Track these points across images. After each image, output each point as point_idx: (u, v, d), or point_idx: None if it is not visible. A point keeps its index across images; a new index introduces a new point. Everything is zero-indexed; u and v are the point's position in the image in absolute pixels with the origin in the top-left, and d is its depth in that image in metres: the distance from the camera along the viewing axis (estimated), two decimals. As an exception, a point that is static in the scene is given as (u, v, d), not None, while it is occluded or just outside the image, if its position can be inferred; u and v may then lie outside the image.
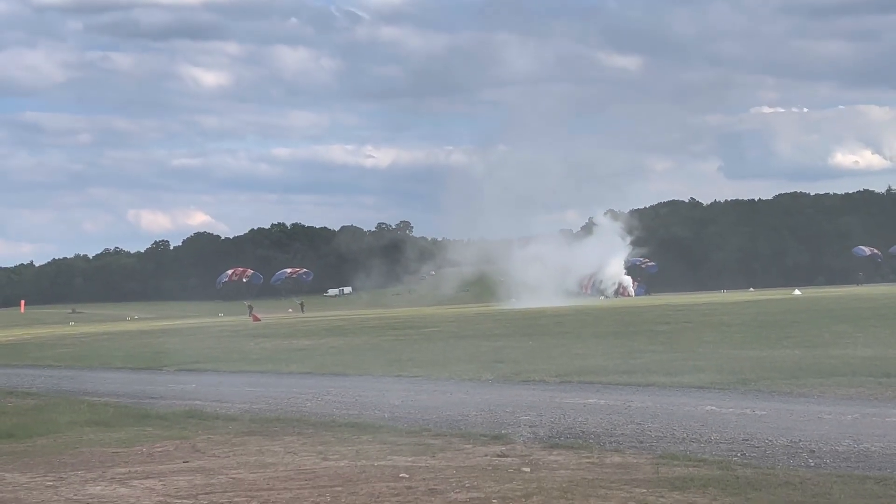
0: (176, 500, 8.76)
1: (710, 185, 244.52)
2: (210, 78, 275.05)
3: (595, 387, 16.91)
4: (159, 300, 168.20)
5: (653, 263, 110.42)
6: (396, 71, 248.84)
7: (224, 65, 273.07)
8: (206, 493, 8.98)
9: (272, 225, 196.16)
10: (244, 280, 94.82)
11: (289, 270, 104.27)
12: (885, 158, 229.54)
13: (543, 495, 8.30)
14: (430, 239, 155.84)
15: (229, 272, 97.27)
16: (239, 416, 14.78)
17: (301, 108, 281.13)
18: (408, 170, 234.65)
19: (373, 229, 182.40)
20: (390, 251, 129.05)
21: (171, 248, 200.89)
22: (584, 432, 11.99)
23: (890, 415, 12.26)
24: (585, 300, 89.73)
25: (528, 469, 9.56)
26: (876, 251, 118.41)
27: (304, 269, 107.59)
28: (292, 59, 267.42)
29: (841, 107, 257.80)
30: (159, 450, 11.81)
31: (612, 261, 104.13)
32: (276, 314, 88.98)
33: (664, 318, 40.25)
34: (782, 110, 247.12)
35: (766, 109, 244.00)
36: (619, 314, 47.27)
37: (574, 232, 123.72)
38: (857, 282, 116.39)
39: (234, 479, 9.65)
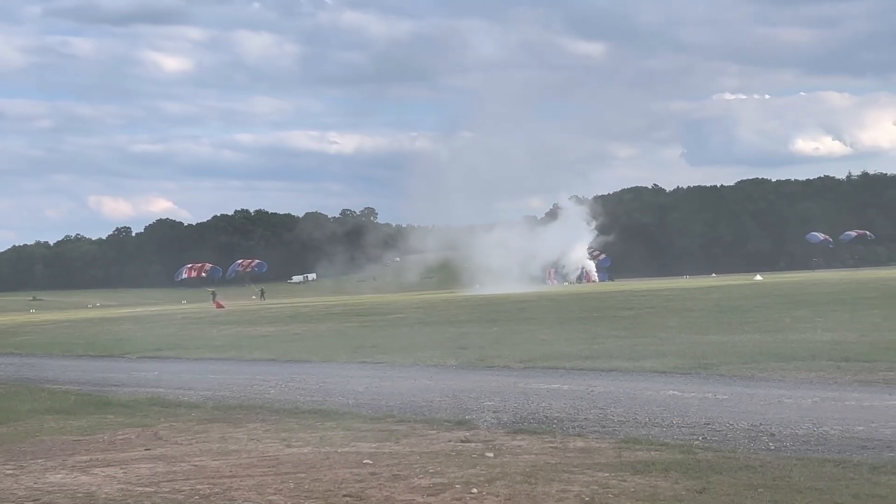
0: (137, 488, 8.70)
1: (673, 171, 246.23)
2: (172, 63, 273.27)
3: (559, 372, 16.97)
4: (121, 287, 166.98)
5: (604, 256, 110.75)
6: (360, 57, 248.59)
7: (186, 50, 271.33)
8: (168, 481, 8.93)
9: (236, 211, 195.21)
10: (203, 275, 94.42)
11: (242, 262, 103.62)
12: (845, 145, 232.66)
13: (507, 480, 8.33)
14: (394, 225, 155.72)
15: (187, 267, 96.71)
16: (201, 404, 14.70)
17: (264, 93, 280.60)
18: (372, 156, 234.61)
19: (337, 216, 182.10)
20: (355, 238, 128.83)
21: (133, 234, 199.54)
22: (547, 417, 12.04)
23: (849, 398, 12.40)
24: (549, 286, 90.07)
25: (491, 454, 9.58)
26: (828, 237, 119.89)
27: (258, 261, 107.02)
28: (255, 44, 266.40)
29: (802, 93, 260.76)
30: (121, 438, 11.73)
31: (575, 247, 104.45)
32: (240, 301, 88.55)
33: (627, 303, 40.49)
34: (744, 97, 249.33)
35: (729, 96, 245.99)
36: (582, 300, 47.48)
37: (538, 218, 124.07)
38: (812, 267, 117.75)
39: (196, 466, 9.60)
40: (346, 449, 10.20)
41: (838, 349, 17.67)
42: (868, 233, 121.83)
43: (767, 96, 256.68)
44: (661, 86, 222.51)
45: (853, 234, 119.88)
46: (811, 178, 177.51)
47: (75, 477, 9.32)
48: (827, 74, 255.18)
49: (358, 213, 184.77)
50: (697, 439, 10.15)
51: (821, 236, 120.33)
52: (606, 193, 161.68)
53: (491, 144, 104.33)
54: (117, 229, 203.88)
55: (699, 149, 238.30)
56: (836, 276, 76.35)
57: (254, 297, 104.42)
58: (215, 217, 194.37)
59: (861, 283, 49.42)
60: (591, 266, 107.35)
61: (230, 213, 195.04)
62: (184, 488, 8.60)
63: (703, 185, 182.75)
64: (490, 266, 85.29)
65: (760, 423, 10.88)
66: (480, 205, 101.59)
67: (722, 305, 35.40)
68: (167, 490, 8.57)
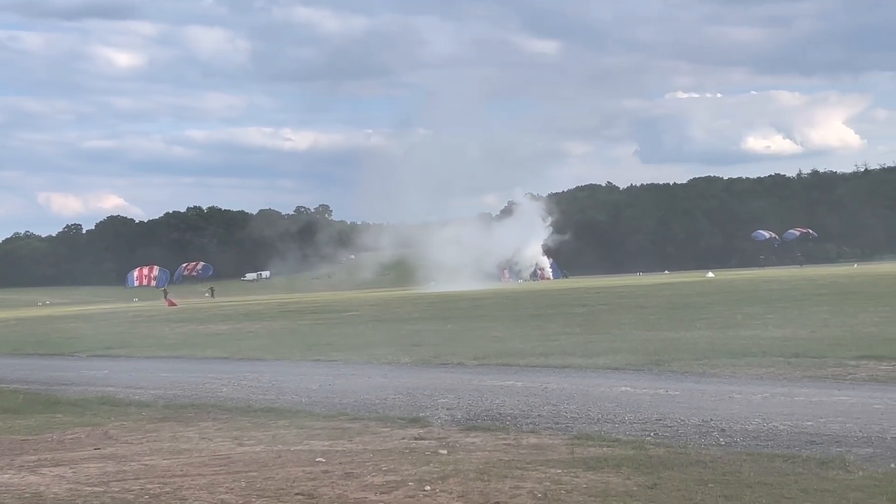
0: (86, 488, 8.59)
1: (627, 169, 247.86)
2: (123, 58, 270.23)
3: (513, 369, 17.01)
4: (71, 285, 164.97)
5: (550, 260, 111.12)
6: (314, 53, 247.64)
7: (137, 45, 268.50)
8: (118, 480, 8.82)
9: (188, 208, 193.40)
10: (153, 282, 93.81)
11: (187, 266, 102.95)
12: (795, 143, 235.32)
13: (460, 477, 8.33)
14: (349, 223, 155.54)
15: (136, 273, 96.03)
16: (153, 402, 14.56)
17: (217, 89, 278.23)
18: (326, 153, 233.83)
19: (291, 213, 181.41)
20: (309, 235, 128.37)
21: (84, 231, 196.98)
22: (501, 414, 12.06)
23: (798, 394, 12.55)
24: (504, 283, 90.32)
25: (445, 451, 9.58)
26: (774, 235, 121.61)
27: (203, 264, 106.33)
28: (208, 39, 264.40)
29: (753, 92, 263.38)
30: (70, 437, 11.57)
31: (530, 244, 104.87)
32: (191, 299, 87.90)
33: (581, 300, 40.71)
34: (697, 95, 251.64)
35: (681, 94, 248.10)
36: (536, 297, 47.68)
37: (493, 215, 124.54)
38: (761, 265, 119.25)
39: (146, 465, 9.50)
40: (299, 447, 10.15)
41: (788, 345, 17.89)
42: (811, 231, 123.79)
43: (719, 95, 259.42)
44: (615, 84, 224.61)
45: (796, 232, 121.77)
46: (762, 176, 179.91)
47: (23, 477, 9.18)
48: (778, 74, 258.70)
49: (312, 210, 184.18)
50: (649, 435, 10.22)
51: (767, 234, 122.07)
52: (561, 191, 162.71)
53: (446, 141, 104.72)
54: (67, 226, 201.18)
55: (652, 147, 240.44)
56: (786, 273, 77.32)
57: (206, 294, 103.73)
58: (167, 214, 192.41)
59: (811, 280, 50.10)
60: (546, 263, 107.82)
61: (182, 209, 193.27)
62: (134, 488, 8.50)
63: (656, 182, 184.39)
64: (445, 263, 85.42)
65: (711, 419, 10.97)
66: (435, 202, 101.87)
67: (674, 302, 35.72)
68: (117, 489, 8.47)
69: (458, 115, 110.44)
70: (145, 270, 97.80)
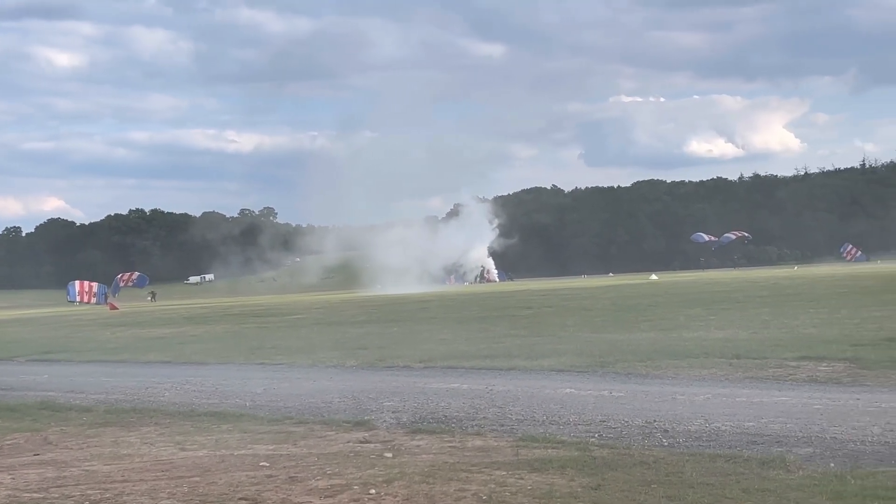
0: (25, 494, 8.44)
1: (572, 172, 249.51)
2: (64, 59, 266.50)
3: (458, 371, 17.02)
4: (11, 289, 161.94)
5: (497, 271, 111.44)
6: (258, 54, 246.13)
7: (79, 46, 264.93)
8: (58, 486, 8.68)
9: (130, 211, 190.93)
10: (93, 299, 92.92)
11: (122, 276, 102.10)
12: (737, 147, 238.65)
13: (405, 480, 8.31)
14: (294, 225, 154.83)
15: (77, 288, 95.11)
16: (94, 407, 14.34)
17: (160, 90, 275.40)
18: (271, 155, 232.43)
19: (235, 215, 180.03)
20: (253, 238, 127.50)
21: (24, 234, 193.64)
22: (446, 417, 12.06)
23: (740, 395, 12.70)
24: (450, 285, 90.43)
25: (390, 454, 9.55)
26: (712, 238, 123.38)
27: (138, 274, 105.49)
28: (150, 40, 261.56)
29: (696, 96, 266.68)
30: (9, 443, 11.37)
31: (476, 246, 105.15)
32: (134, 303, 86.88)
33: (526, 302, 40.86)
34: (640, 99, 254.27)
35: (625, 98, 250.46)
36: (482, 299, 47.78)
37: (439, 218, 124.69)
38: (702, 267, 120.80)
39: (87, 471, 9.36)
40: (243, 451, 10.06)
41: (730, 346, 18.11)
42: (746, 234, 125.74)
43: (663, 99, 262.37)
44: (561, 87, 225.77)
45: (732, 235, 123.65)
46: (705, 179, 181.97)
47: (-41, 485, 8.99)
48: (720, 78, 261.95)
49: (256, 212, 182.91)
50: (593, 437, 10.28)
51: (706, 237, 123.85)
52: (507, 194, 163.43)
53: (391, 144, 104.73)
54: (7, 229, 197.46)
55: (597, 150, 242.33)
56: (728, 275, 78.31)
57: (149, 298, 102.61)
58: (109, 216, 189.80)
59: (752, 283, 50.78)
60: (492, 265, 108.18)
61: (124, 212, 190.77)
62: (74, 494, 8.36)
63: (600, 185, 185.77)
64: (391, 266, 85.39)
65: (655, 420, 11.06)
66: (381, 204, 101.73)
67: (619, 304, 35.99)
68: (57, 496, 8.33)
69: (404, 118, 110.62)
70: (86, 286, 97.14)
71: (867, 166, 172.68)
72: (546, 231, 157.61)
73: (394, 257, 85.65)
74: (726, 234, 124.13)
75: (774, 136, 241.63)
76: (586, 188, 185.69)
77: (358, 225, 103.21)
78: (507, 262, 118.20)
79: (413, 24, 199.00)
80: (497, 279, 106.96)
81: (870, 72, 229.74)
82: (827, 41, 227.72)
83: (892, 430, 9.85)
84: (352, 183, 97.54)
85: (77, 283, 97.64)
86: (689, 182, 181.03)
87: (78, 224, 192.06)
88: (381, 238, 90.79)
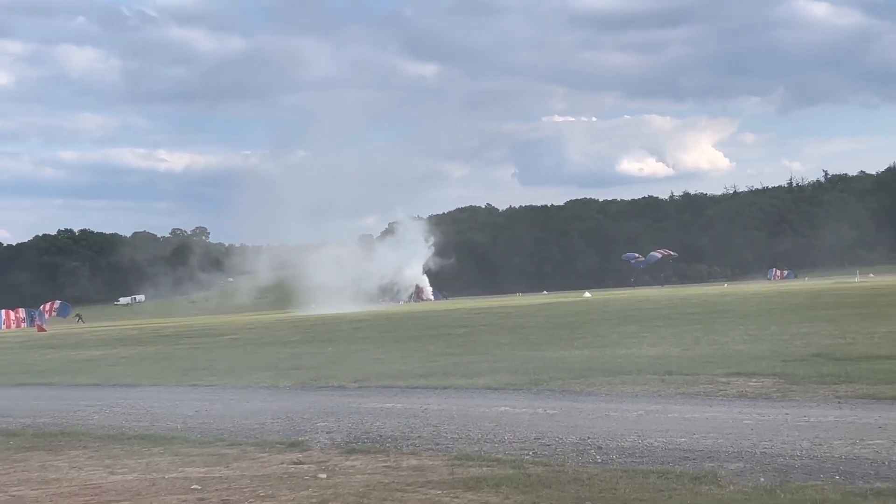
0: (-53, 524, 8.22)
1: (506, 190, 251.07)
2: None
3: (393, 391, 16.96)
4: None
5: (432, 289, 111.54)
6: (190, 73, 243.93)
7: (6, 64, 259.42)
8: (-18, 515, 8.47)
9: (59, 231, 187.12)
10: (22, 325, 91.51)
11: (45, 307, 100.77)
12: (667, 166, 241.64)
13: (339, 501, 8.25)
14: (227, 245, 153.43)
15: (3, 317, 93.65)
16: (20, 431, 14.03)
17: (89, 109, 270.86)
18: (203, 174, 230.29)
19: (167, 235, 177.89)
20: (185, 258, 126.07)
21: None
22: (381, 437, 12.00)
23: (672, 411, 12.83)
24: (385, 304, 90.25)
25: (324, 475, 9.48)
26: (640, 257, 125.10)
27: (60, 302, 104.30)
28: (80, 58, 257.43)
29: (627, 116, 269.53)
30: (-70, 470, 11.05)
31: (411, 265, 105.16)
32: (62, 325, 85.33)
33: (462, 321, 40.93)
34: (572, 119, 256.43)
35: (558, 118, 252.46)
36: (417, 318, 47.74)
37: (374, 237, 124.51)
38: (631, 284, 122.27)
39: (14, 496, 9.14)
40: (174, 475, 9.91)
41: (662, 363, 18.30)
42: (672, 252, 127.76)
43: (594, 118, 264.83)
44: (494, 107, 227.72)
45: (658, 254, 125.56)
46: (636, 197, 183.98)
47: None
48: (650, 98, 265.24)
49: (189, 232, 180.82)
50: (528, 454, 10.29)
51: (635, 255, 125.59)
52: (441, 212, 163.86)
53: (325, 163, 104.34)
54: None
55: (530, 169, 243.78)
56: (659, 292, 79.22)
57: (76, 320, 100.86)
58: (37, 237, 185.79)
59: (684, 300, 51.45)
60: (426, 284, 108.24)
61: (53, 232, 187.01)
62: (-2, 522, 8.17)
63: (534, 204, 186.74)
64: (325, 285, 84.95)
65: (588, 437, 11.12)
66: (315, 223, 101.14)
67: (553, 322, 36.22)
68: (-20, 524, 8.13)
69: (338, 137, 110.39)
70: (12, 314, 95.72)
71: (794, 185, 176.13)
72: (480, 250, 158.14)
73: (328, 276, 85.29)
74: (652, 253, 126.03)
75: (704, 156, 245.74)
76: (520, 207, 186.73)
77: (292, 244, 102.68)
78: (442, 280, 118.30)
79: (346, 44, 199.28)
80: (432, 298, 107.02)
81: (796, 92, 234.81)
82: (754, 62, 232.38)
83: (820, 445, 10.01)
84: (285, 202, 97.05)
85: (3, 311, 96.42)
86: (622, 201, 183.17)
87: (5, 245, 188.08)
88: (315, 257, 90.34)
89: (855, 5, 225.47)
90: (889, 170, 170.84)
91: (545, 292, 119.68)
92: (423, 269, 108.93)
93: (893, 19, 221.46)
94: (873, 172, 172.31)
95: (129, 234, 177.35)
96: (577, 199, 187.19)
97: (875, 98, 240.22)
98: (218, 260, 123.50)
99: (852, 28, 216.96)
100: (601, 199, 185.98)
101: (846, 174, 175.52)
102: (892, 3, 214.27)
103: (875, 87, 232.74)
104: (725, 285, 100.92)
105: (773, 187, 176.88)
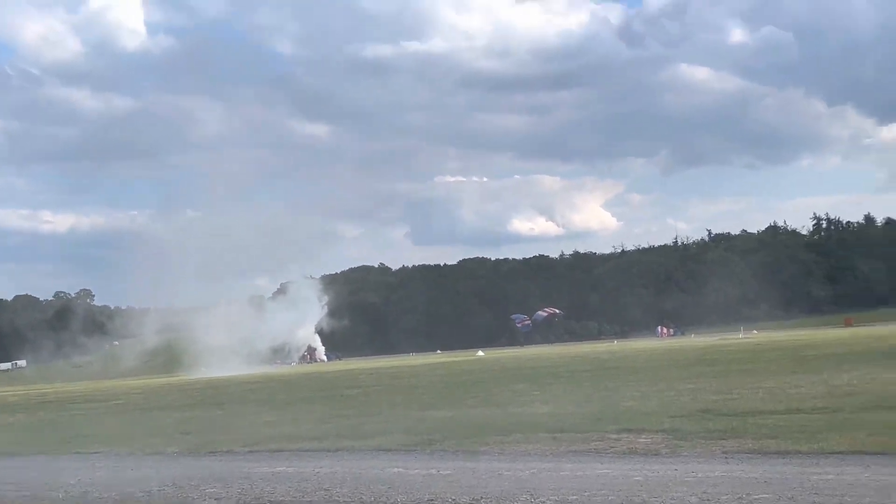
0: None
1: (399, 250, 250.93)
2: None
3: (284, 455, 16.69)
4: None
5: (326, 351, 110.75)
6: (75, 133, 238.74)
7: None
8: None
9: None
10: None
11: None
12: (558, 225, 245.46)
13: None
14: (113, 308, 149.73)
15: None
16: None
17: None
18: (89, 235, 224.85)
19: (50, 298, 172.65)
20: (69, 321, 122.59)
21: None
22: (271, 502, 11.79)
23: (564, 469, 12.90)
24: (277, 366, 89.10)
25: (213, 544, 9.24)
26: (526, 319, 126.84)
27: None
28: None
29: (518, 176, 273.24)
30: None
31: (303, 326, 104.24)
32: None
33: (354, 382, 40.62)
34: (464, 179, 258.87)
35: (450, 178, 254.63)
36: (309, 380, 47.22)
37: (266, 297, 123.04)
38: (521, 343, 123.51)
39: None
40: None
41: (554, 420, 18.42)
42: (557, 311, 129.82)
43: (486, 179, 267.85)
44: (387, 167, 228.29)
45: (544, 313, 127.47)
46: (528, 256, 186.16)
47: None
48: (540, 159, 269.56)
49: (73, 295, 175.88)
50: (422, 516, 10.21)
51: (522, 317, 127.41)
52: (334, 272, 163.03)
53: (216, 223, 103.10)
54: None
55: (424, 228, 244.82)
56: (552, 350, 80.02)
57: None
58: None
59: (575, 357, 52.04)
60: (319, 345, 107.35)
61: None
62: None
63: (427, 263, 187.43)
64: (215, 347, 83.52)
65: (482, 497, 11.11)
66: (205, 284, 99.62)
67: (446, 381, 36.21)
68: None
69: (229, 196, 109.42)
70: None
71: (680, 244, 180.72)
72: (373, 310, 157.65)
73: (218, 338, 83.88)
74: (538, 312, 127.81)
75: (593, 215, 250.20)
76: (413, 266, 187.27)
77: (181, 306, 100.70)
78: (335, 341, 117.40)
79: (237, 103, 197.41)
80: (325, 359, 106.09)
81: (680, 154, 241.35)
82: (639, 125, 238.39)
83: (708, 500, 10.19)
84: (174, 263, 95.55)
85: None
86: (513, 259, 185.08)
87: None
88: (204, 319, 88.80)
89: (734, 70, 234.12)
90: (770, 228, 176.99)
91: (439, 351, 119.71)
92: (316, 329, 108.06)
93: (771, 83, 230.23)
94: (755, 231, 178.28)
95: (10, 298, 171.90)
96: (469, 259, 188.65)
97: (755, 159, 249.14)
98: (102, 323, 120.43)
99: (732, 92, 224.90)
100: (493, 258, 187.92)
101: (729, 233, 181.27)
102: (769, 69, 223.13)
103: (755, 149, 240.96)
104: (615, 342, 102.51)
105: (660, 246, 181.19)
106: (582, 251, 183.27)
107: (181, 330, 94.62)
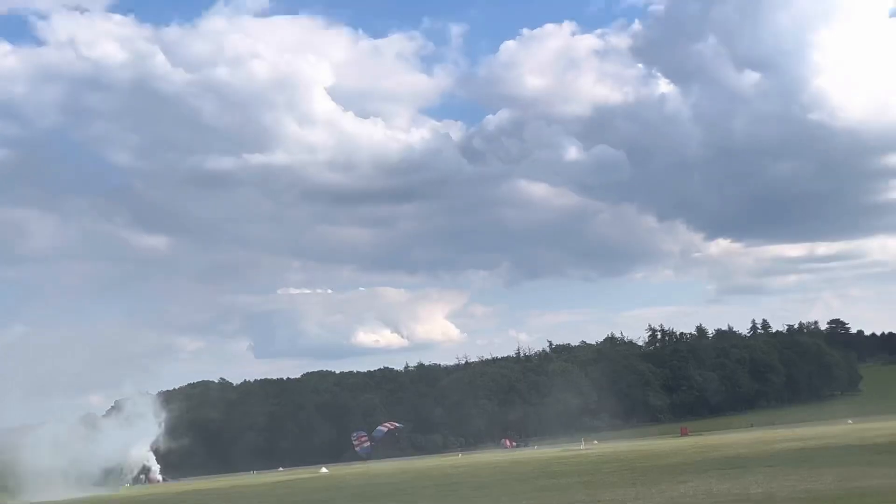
0: None
1: (241, 364, 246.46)
2: None
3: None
4: None
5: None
6: None
7: None
8: None
9: None
10: None
11: None
12: (402, 337, 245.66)
13: None
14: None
15: None
16: None
17: None
18: None
19: None
20: None
21: None
22: None
23: None
24: (109, 489, 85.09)
25: None
26: (363, 439, 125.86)
27: None
28: None
29: (361, 288, 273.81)
30: None
31: (138, 445, 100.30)
32: None
33: (189, 505, 38.96)
34: (308, 291, 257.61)
35: (293, 290, 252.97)
36: (142, 503, 45.08)
37: (99, 416, 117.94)
38: (363, 459, 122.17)
39: None
40: None
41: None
42: (398, 424, 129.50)
43: (330, 291, 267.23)
44: (228, 279, 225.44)
45: (384, 428, 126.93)
46: (372, 369, 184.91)
47: None
48: (383, 271, 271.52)
49: None
50: None
51: (361, 434, 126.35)
52: (172, 388, 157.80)
53: (46, 339, 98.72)
54: None
55: (266, 341, 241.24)
56: (395, 465, 79.04)
57: None
58: None
59: (419, 473, 51.40)
60: (155, 465, 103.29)
61: None
62: None
63: (269, 377, 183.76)
64: (42, 470, 79.03)
65: None
66: (33, 404, 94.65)
67: (287, 501, 35.12)
68: None
69: (61, 311, 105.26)
70: None
71: (522, 355, 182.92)
72: (213, 426, 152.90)
73: (45, 460, 79.48)
74: (379, 428, 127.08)
75: (437, 327, 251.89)
76: (255, 381, 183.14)
77: (6, 426, 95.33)
78: (173, 460, 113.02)
79: (72, 216, 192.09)
80: (160, 479, 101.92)
81: (520, 267, 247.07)
82: (481, 238, 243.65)
83: None
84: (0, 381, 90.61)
85: None
86: (358, 372, 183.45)
87: None
88: (29, 439, 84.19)
89: (571, 186, 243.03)
90: (608, 339, 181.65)
91: (281, 469, 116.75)
92: (152, 448, 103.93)
93: (605, 199, 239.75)
94: (594, 342, 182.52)
95: None
96: (313, 371, 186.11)
97: (592, 272, 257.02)
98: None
99: (569, 207, 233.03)
100: (337, 371, 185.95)
101: (569, 344, 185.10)
102: (603, 185, 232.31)
103: (592, 263, 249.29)
104: (459, 455, 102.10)
105: (503, 357, 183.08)
106: (426, 363, 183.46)
107: (6, 452, 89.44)
